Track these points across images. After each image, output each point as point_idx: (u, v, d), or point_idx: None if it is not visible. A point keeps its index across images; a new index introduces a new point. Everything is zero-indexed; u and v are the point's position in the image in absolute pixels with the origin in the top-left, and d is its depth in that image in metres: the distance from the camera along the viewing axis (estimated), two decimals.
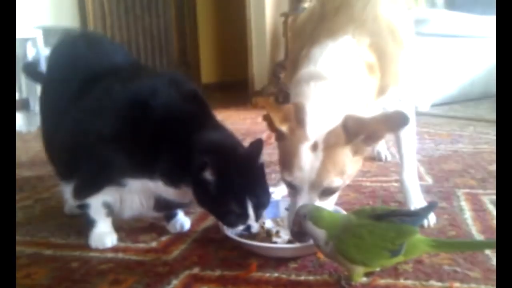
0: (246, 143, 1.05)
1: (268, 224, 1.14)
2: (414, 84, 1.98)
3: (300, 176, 0.92)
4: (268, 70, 4.23)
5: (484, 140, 2.16)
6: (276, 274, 0.91)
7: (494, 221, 1.13)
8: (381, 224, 0.82)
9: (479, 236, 1.06)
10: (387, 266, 0.88)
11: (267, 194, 1.02)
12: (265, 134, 2.35)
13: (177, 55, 5.53)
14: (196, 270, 0.94)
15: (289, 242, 1.01)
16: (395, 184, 1.46)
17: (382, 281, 0.86)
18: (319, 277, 0.90)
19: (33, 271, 0.97)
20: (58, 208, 1.36)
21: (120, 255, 1.04)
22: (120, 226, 1.17)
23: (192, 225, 1.19)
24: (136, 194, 1.06)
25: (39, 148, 1.81)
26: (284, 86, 3.50)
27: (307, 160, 0.91)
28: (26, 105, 4.12)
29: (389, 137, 1.46)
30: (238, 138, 1.06)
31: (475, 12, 3.50)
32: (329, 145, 0.91)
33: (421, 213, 0.89)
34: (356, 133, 0.91)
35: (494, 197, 1.30)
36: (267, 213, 1.10)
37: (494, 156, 1.80)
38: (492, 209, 1.21)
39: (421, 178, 1.45)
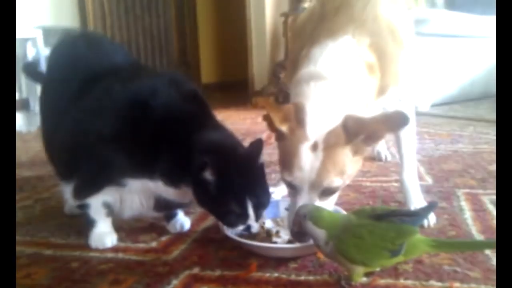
0: (246, 143, 1.05)
1: (268, 224, 1.14)
2: (414, 84, 1.98)
3: (300, 176, 0.92)
4: (268, 70, 4.24)
5: (484, 140, 2.16)
6: (276, 274, 0.91)
7: (494, 221, 1.13)
8: (381, 224, 0.82)
9: (479, 236, 1.06)
10: (387, 266, 0.88)
11: (267, 194, 1.02)
12: (265, 134, 2.35)
13: (177, 55, 5.53)
14: (196, 270, 0.94)
15: (289, 242, 1.01)
16: (395, 184, 1.46)
17: (382, 281, 0.86)
18: (319, 277, 0.90)
19: (33, 271, 0.97)
20: (58, 208, 1.36)
21: (120, 255, 1.04)
22: (120, 226, 1.17)
23: (192, 225, 1.19)
24: (136, 194, 1.06)
25: (39, 148, 1.81)
26: (284, 86, 3.51)
27: (307, 160, 0.91)
28: (26, 105, 4.12)
29: (389, 137, 1.46)
30: (238, 138, 1.06)
31: (475, 12, 3.50)
32: (329, 145, 0.91)
33: (421, 213, 0.89)
34: (356, 133, 0.91)
35: (494, 197, 1.30)
36: (267, 213, 1.10)
37: (494, 156, 1.80)
38: (492, 209, 1.21)
39: (421, 178, 1.45)
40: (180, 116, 1.01)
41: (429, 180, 1.52)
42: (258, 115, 3.24)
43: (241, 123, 3.08)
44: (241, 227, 0.99)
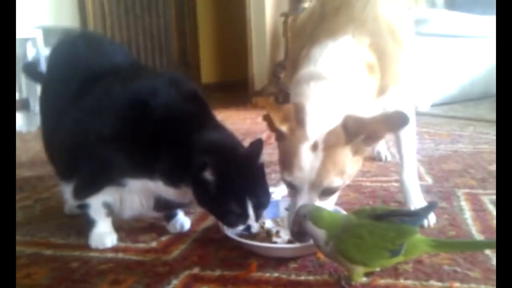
0: (246, 143, 1.05)
1: (268, 224, 1.14)
2: (414, 84, 1.98)
3: (300, 176, 0.92)
4: (268, 70, 4.24)
5: (484, 140, 2.16)
6: (276, 274, 0.91)
7: (494, 221, 1.13)
8: (381, 224, 0.82)
9: (479, 236, 1.06)
10: (387, 266, 0.88)
11: (267, 194, 1.02)
12: (265, 134, 2.35)
13: (177, 55, 5.54)
14: (196, 270, 0.94)
15: (289, 242, 1.01)
16: (395, 184, 1.46)
17: (382, 281, 0.86)
18: (319, 277, 0.90)
19: (33, 271, 0.97)
20: (58, 208, 1.36)
21: (120, 255, 1.04)
22: (120, 226, 1.17)
23: (192, 225, 1.19)
24: (136, 194, 1.06)
25: (39, 148, 1.81)
26: (284, 86, 3.51)
27: (307, 160, 0.91)
28: (26, 105, 4.12)
29: (389, 137, 1.46)
30: (238, 138, 1.06)
31: (475, 12, 3.50)
32: (329, 145, 0.91)
33: (421, 213, 0.89)
34: (356, 133, 0.91)
35: (494, 197, 1.30)
36: (267, 213, 1.10)
37: (494, 156, 1.80)
38: (492, 209, 1.21)
39: (421, 178, 1.45)
40: (180, 116, 1.01)
41: (429, 180, 1.52)
42: (258, 115, 3.24)
43: (241, 123, 3.08)
44: (241, 227, 0.99)
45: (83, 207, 1.09)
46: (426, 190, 1.37)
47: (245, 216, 0.97)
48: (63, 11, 4.56)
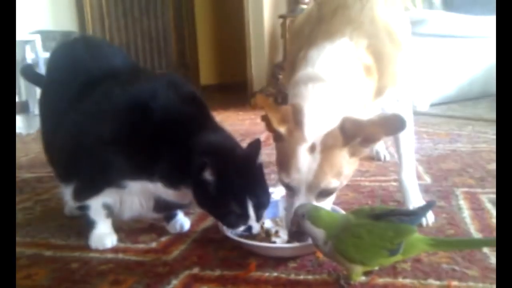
0: (245, 143, 1.05)
1: (268, 224, 1.15)
2: (412, 84, 1.99)
3: (297, 178, 0.92)
4: (267, 71, 4.25)
5: (483, 139, 2.17)
6: (275, 274, 0.92)
7: (492, 220, 1.13)
8: (379, 223, 0.83)
9: (477, 235, 1.06)
10: (386, 265, 0.88)
11: (267, 194, 1.02)
12: (264, 134, 2.36)
13: (176, 57, 5.54)
14: (196, 270, 0.95)
15: (288, 241, 1.01)
16: (394, 184, 1.46)
17: (380, 280, 0.87)
18: (318, 277, 0.90)
19: (34, 272, 0.98)
20: (58, 209, 1.36)
21: (120, 255, 1.05)
22: (120, 227, 1.17)
23: (192, 225, 1.19)
24: (136, 195, 1.07)
25: (38, 150, 1.82)
26: (283, 87, 3.51)
27: (305, 162, 0.91)
28: (25, 108, 4.13)
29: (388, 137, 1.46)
30: (236, 139, 1.07)
31: (472, 12, 3.51)
32: (327, 147, 0.91)
33: (419, 212, 0.89)
34: (354, 135, 0.91)
35: (493, 196, 1.31)
36: (266, 213, 1.10)
37: (492, 155, 1.81)
38: (491, 208, 1.22)
39: (419, 177, 1.45)
40: (179, 118, 1.02)
41: (427, 180, 1.53)
42: (257, 116, 3.24)
43: (240, 124, 3.09)
44: (241, 228, 0.99)
45: (83, 209, 1.09)
46: (425, 189, 1.38)
47: (246, 216, 0.97)
48: (61, 15, 4.57)
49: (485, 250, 0.96)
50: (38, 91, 1.41)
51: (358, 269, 0.83)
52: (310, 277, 0.90)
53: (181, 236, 1.14)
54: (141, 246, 1.09)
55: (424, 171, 1.63)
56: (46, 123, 1.21)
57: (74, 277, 0.95)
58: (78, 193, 1.07)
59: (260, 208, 0.99)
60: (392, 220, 0.83)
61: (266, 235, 1.07)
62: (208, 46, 6.07)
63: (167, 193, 1.02)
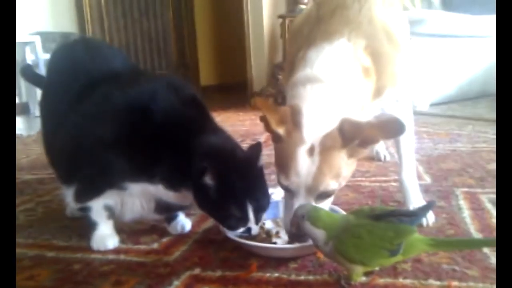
0: (245, 144, 1.06)
1: (268, 224, 1.15)
2: (411, 84, 1.99)
3: (296, 181, 0.92)
4: (267, 71, 4.25)
5: (483, 139, 2.17)
6: (276, 274, 0.92)
7: (493, 220, 1.14)
8: (379, 224, 0.83)
9: (477, 235, 1.06)
10: (386, 265, 0.88)
11: (267, 197, 1.02)
12: (264, 135, 2.36)
13: (176, 58, 5.54)
14: (197, 271, 0.95)
15: (289, 242, 1.02)
16: (394, 184, 1.47)
17: (381, 280, 0.87)
18: (319, 277, 0.90)
19: (36, 273, 0.98)
20: (60, 210, 1.36)
21: (122, 256, 1.05)
22: (121, 228, 1.17)
23: (193, 226, 1.19)
24: (137, 197, 1.07)
25: (39, 152, 1.82)
26: (283, 88, 3.51)
27: (304, 164, 0.91)
28: (26, 109, 4.13)
29: None
30: (236, 141, 1.07)
31: (471, 12, 3.51)
32: (325, 148, 0.91)
33: (419, 213, 0.89)
34: (352, 137, 0.91)
35: (493, 195, 1.31)
36: (267, 213, 1.10)
37: (492, 155, 1.81)
38: (491, 208, 1.22)
39: (420, 177, 1.45)
40: (179, 121, 1.02)
41: (427, 180, 1.53)
42: (257, 117, 3.22)
43: (240, 125, 3.09)
44: (241, 230, 1.00)
45: (85, 210, 1.09)
46: (425, 189, 1.38)
47: (245, 219, 0.98)
48: (61, 16, 4.57)
49: (485, 250, 0.96)
50: (38, 92, 1.41)
51: (359, 269, 0.84)
52: (311, 277, 0.90)
53: (182, 237, 1.14)
54: (142, 247, 1.10)
55: (424, 171, 1.63)
56: (47, 125, 1.22)
57: (76, 278, 0.95)
58: (79, 194, 1.07)
59: (259, 211, 0.99)
60: (392, 220, 0.83)
61: (267, 235, 1.07)
62: (208, 47, 6.07)
63: (168, 195, 1.03)
